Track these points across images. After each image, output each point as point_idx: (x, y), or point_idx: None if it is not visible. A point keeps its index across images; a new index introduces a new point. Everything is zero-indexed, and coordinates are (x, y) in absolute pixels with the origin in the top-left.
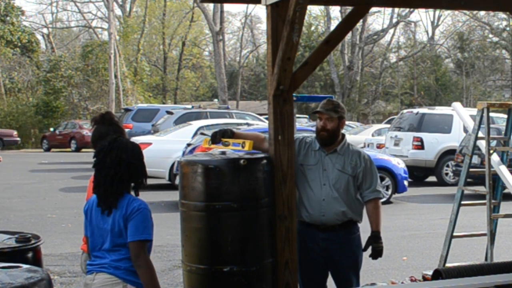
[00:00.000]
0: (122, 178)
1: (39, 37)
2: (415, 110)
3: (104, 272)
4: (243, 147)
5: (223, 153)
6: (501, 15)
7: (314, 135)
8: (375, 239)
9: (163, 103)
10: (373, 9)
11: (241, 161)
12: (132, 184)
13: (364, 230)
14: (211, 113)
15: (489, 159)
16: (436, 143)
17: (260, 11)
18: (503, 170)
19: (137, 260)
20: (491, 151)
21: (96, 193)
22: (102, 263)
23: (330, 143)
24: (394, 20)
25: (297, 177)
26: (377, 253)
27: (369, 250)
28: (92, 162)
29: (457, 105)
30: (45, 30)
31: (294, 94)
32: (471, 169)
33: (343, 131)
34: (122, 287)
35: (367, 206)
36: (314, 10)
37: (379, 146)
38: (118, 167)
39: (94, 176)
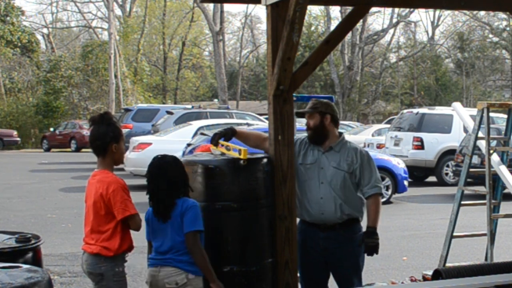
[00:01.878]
0: (178, 193)
1: (39, 37)
2: (415, 110)
3: (168, 266)
4: (239, 154)
5: (223, 154)
6: (501, 15)
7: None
8: (369, 234)
9: (163, 103)
10: (373, 9)
11: (241, 161)
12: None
13: None
14: (211, 113)
15: (489, 159)
16: (436, 143)
17: (260, 11)
18: (503, 170)
19: (193, 248)
20: (491, 151)
21: (155, 207)
22: (166, 258)
23: (319, 141)
24: (394, 20)
25: (298, 177)
26: (370, 249)
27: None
28: (146, 183)
29: (457, 105)
30: (45, 30)
31: (294, 94)
32: (471, 169)
33: (342, 130)
34: (184, 277)
35: (367, 202)
36: (314, 10)
37: (379, 146)
38: (174, 186)
39: (151, 193)
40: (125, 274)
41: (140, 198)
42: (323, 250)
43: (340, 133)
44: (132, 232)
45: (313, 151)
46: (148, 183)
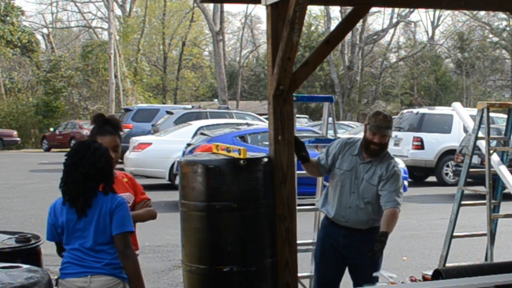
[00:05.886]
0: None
1: (39, 37)
2: (415, 110)
3: (102, 274)
4: (239, 154)
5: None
6: (501, 15)
7: (355, 137)
8: (381, 237)
9: (163, 103)
10: (373, 9)
11: (241, 161)
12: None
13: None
14: (211, 113)
15: (489, 159)
16: (436, 143)
17: (260, 11)
18: (503, 170)
19: (125, 251)
20: (491, 151)
21: (73, 201)
22: (96, 266)
23: (378, 155)
24: (394, 20)
25: (332, 176)
26: (373, 253)
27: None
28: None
29: (457, 105)
30: (45, 30)
31: (294, 94)
32: (471, 169)
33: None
34: (122, 286)
35: (384, 212)
36: (314, 10)
37: None
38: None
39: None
40: None
41: None
42: (343, 248)
43: None
44: (137, 233)
45: (352, 157)
46: (71, 170)
